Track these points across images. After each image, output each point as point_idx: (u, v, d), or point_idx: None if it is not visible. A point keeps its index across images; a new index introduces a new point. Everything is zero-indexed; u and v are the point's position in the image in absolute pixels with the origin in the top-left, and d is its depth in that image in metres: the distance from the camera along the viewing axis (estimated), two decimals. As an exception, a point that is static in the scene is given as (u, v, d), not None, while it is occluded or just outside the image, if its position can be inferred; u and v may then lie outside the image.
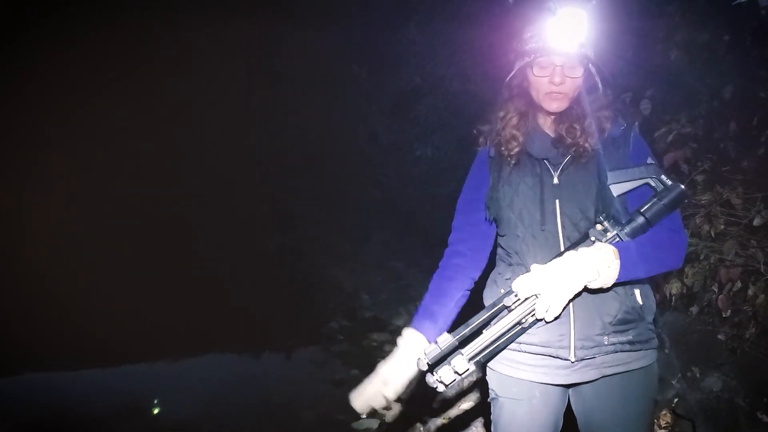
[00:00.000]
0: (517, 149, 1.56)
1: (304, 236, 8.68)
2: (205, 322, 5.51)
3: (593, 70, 1.48)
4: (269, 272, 7.38)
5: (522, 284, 1.38)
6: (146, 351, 4.86)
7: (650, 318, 1.52)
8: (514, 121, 1.58)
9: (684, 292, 2.83)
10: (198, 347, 5.03)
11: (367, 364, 4.38)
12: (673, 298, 2.86)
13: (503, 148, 1.58)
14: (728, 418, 2.65)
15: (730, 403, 2.68)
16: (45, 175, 9.26)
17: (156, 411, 3.92)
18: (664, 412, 2.90)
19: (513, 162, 1.57)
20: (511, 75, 1.53)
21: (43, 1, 9.28)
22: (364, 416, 3.67)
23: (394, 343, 1.61)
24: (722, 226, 2.73)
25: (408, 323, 1.62)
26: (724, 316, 2.69)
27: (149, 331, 5.26)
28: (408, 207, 7.27)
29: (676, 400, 2.90)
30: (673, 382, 2.97)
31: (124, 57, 9.64)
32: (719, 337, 2.86)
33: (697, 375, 2.86)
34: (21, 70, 9.29)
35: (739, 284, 2.61)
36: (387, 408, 3.70)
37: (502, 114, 1.61)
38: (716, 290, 2.71)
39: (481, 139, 1.69)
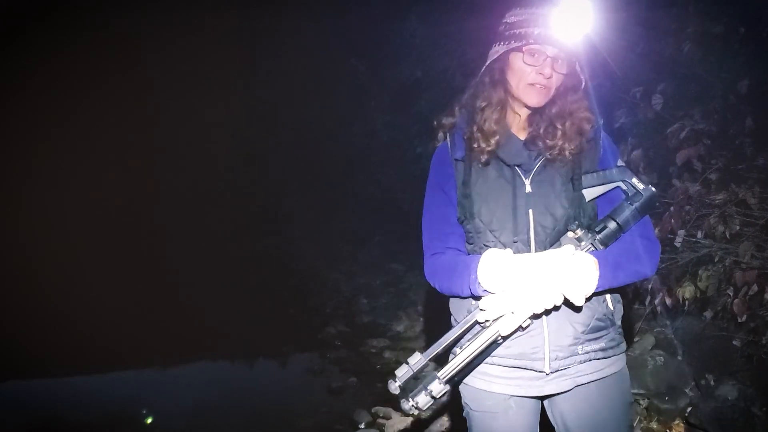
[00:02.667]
0: (491, 148, 1.49)
1: (300, 237, 8.68)
2: (196, 328, 5.51)
3: (579, 68, 1.45)
4: (263, 275, 7.38)
5: (492, 304, 1.36)
6: (135, 357, 4.86)
7: (618, 322, 1.54)
8: (496, 115, 1.50)
9: (697, 296, 2.83)
10: (189, 353, 5.03)
11: (365, 371, 4.42)
12: (686, 302, 2.86)
13: (476, 145, 1.50)
14: (744, 428, 2.65)
15: (746, 413, 2.68)
16: (38, 178, 9.34)
17: (149, 420, 3.92)
18: (676, 421, 2.91)
19: (483, 161, 1.50)
20: (495, 57, 1.46)
21: (40, 4, 9.45)
22: (363, 425, 3.67)
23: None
24: (737, 227, 2.73)
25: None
26: (739, 321, 2.69)
27: (138, 336, 5.26)
28: (409, 207, 7.25)
29: (689, 409, 2.90)
30: (686, 391, 2.98)
31: (119, 59, 9.81)
32: (734, 343, 2.87)
33: (712, 383, 2.86)
34: (19, 74, 9.45)
35: (755, 288, 2.61)
36: (387, 417, 3.70)
37: (482, 104, 1.51)
38: (731, 294, 2.71)
39: (440, 134, 1.61)
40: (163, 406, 4.14)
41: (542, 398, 1.57)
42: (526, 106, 1.49)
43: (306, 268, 7.65)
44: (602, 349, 1.48)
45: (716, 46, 3.06)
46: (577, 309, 1.44)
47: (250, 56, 10.16)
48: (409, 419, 3.60)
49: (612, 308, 1.50)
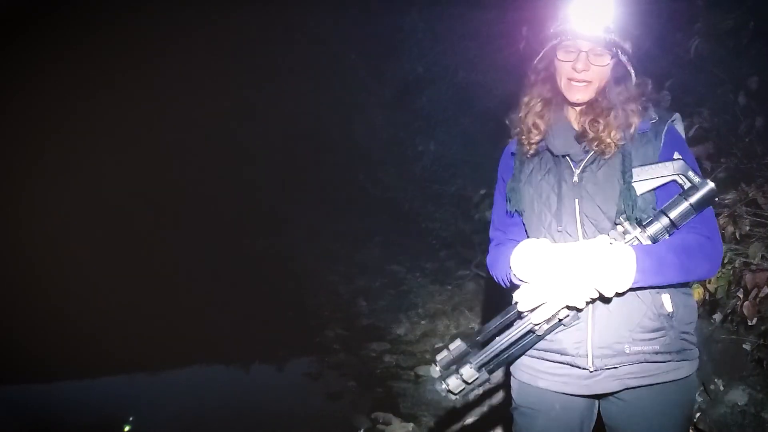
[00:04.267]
0: (537, 138, 1.57)
1: (297, 238, 8.68)
2: (189, 331, 5.52)
3: (624, 58, 1.48)
4: (259, 277, 7.38)
5: (526, 294, 1.39)
6: (127, 361, 4.86)
7: (685, 327, 1.49)
8: (538, 108, 1.59)
9: (706, 298, 2.83)
10: (182, 357, 5.03)
11: (364, 375, 4.43)
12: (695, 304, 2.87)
13: (524, 137, 1.60)
14: (754, 434, 2.66)
15: (757, 419, 2.69)
16: (35, 180, 9.45)
17: (141, 426, 3.93)
18: (685, 427, 2.91)
19: (532, 153, 1.59)
20: (538, 57, 1.54)
21: (41, 4, 9.64)
22: (363, 431, 3.68)
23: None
24: (747, 228, 2.73)
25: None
26: (749, 324, 2.70)
27: (128, 340, 5.26)
28: (409, 207, 7.28)
29: (698, 414, 2.90)
30: (695, 396, 2.98)
31: (118, 58, 9.98)
32: (744, 346, 2.87)
33: (721, 388, 2.87)
34: (20, 74, 9.60)
35: (765, 290, 2.61)
36: (387, 423, 3.71)
37: (526, 99, 1.62)
38: (741, 296, 2.71)
39: (513, 131, 1.69)
40: (155, 411, 4.15)
41: (594, 398, 1.57)
42: (572, 102, 1.54)
43: (303, 269, 7.66)
44: (656, 353, 1.44)
45: (726, 41, 3.07)
46: (627, 306, 1.43)
47: (248, 53, 10.17)
48: (410, 425, 3.61)
49: (670, 310, 1.45)
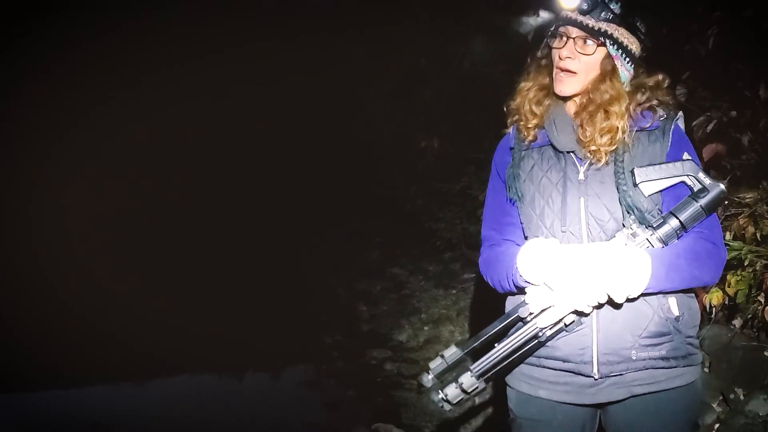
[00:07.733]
0: (535, 122, 1.56)
1: (294, 239, 8.69)
2: (181, 337, 5.51)
3: (613, 50, 1.46)
4: (254, 280, 7.38)
5: (535, 297, 1.39)
6: (111, 370, 4.86)
7: (690, 331, 1.50)
8: (532, 94, 1.58)
9: (726, 302, 2.82)
10: (173, 365, 5.03)
11: (364, 384, 4.42)
12: (714, 309, 2.86)
13: (521, 124, 1.59)
14: (776, 446, 2.65)
15: (779, 430, 2.68)
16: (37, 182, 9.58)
17: None
18: (703, 439, 2.90)
19: (530, 139, 1.57)
20: (542, 45, 1.56)
21: (45, 5, 9.76)
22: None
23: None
24: (769, 228, 2.73)
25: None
26: (771, 330, 2.70)
27: (114, 346, 5.26)
28: (411, 206, 7.27)
29: (717, 425, 2.89)
30: (714, 405, 2.97)
31: (121, 59, 10.32)
32: (766, 353, 2.86)
33: (741, 397, 2.86)
34: (22, 73, 9.83)
35: (789, 294, 2.61)
36: (388, 433, 3.71)
37: (522, 85, 1.62)
38: (762, 301, 2.70)
39: (509, 121, 1.67)
40: (143, 422, 4.14)
41: (597, 407, 1.57)
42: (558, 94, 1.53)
43: (300, 272, 7.66)
44: (663, 358, 1.45)
45: (746, 31, 3.06)
46: (634, 310, 1.43)
47: (245, 49, 10.21)
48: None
49: (677, 314, 1.46)
